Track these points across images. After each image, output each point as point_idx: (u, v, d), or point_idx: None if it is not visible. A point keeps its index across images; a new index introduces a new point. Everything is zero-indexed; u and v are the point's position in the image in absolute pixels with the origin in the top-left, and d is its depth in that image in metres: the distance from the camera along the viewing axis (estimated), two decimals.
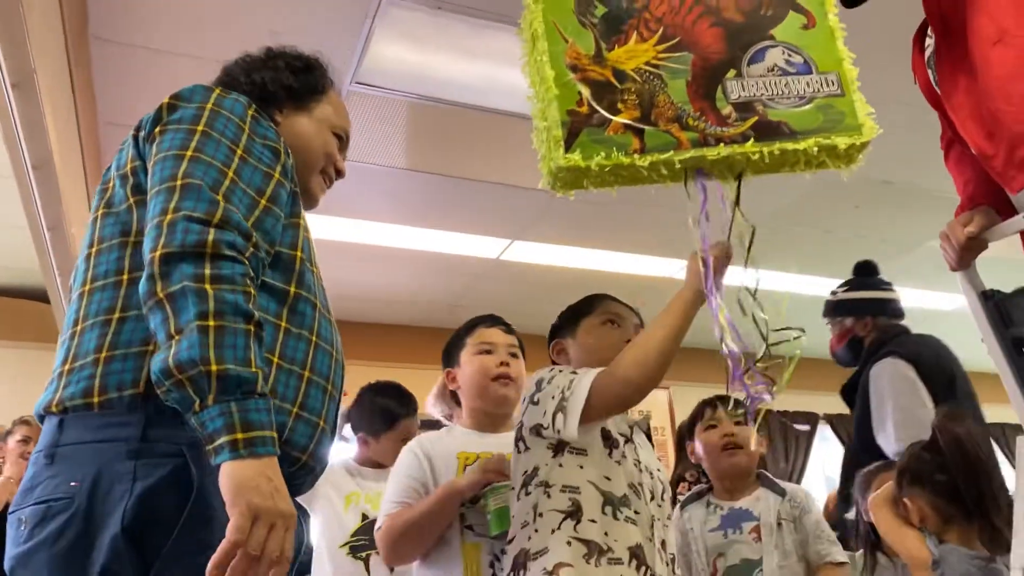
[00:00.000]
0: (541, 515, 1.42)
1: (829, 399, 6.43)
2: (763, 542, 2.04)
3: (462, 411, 1.95)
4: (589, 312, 1.71)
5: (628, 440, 1.57)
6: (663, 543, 1.51)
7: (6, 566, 1.05)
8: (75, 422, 1.07)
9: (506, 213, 4.24)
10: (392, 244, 4.52)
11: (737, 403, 1.44)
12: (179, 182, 1.08)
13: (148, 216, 1.09)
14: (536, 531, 1.41)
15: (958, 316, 6.70)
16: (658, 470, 1.63)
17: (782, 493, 2.14)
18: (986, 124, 1.41)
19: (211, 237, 1.04)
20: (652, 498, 1.53)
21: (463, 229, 4.42)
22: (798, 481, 6.24)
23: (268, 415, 1.02)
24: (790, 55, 1.51)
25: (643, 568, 1.41)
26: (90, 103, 3.07)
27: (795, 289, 5.40)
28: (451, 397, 2.01)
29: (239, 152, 1.16)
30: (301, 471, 1.17)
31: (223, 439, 0.97)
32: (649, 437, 1.73)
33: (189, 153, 1.12)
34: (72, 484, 1.02)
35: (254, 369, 1.01)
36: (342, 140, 1.45)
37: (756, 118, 1.42)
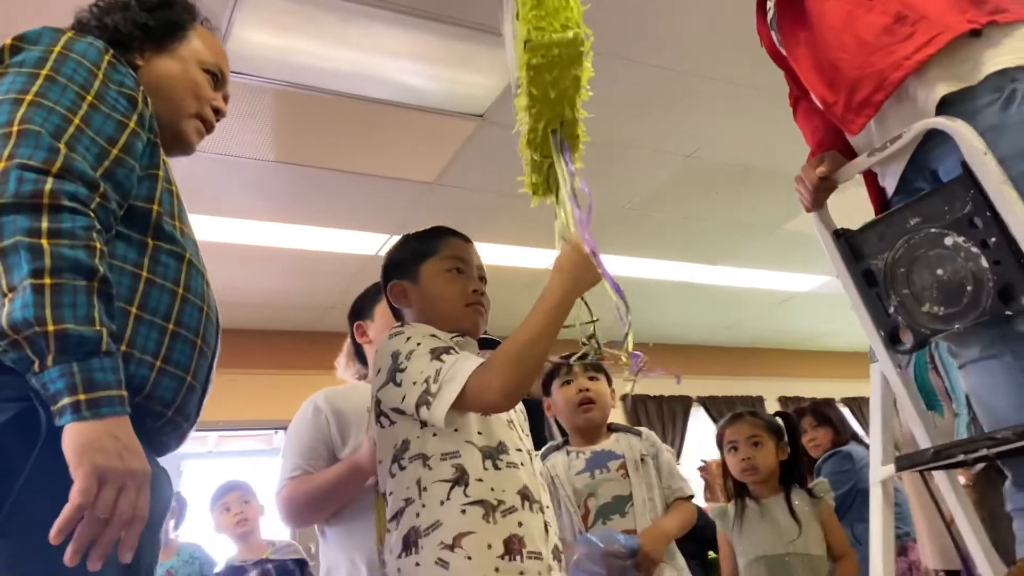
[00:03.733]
0: (426, 489, 1.38)
1: (704, 382, 6.80)
2: (631, 477, 2.12)
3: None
4: (432, 254, 1.65)
5: None
6: (541, 473, 1.53)
7: None
8: None
9: (384, 207, 4.12)
10: (261, 243, 4.34)
11: (584, 357, 1.46)
12: (15, 127, 1.02)
13: None
14: (424, 506, 1.37)
15: (814, 296, 7.14)
16: None
17: (638, 434, 2.27)
18: (826, 73, 1.53)
19: (48, 187, 0.99)
20: (522, 429, 1.54)
21: (338, 224, 4.29)
22: (676, 458, 6.55)
23: (115, 374, 0.98)
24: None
25: (535, 505, 1.42)
26: None
27: (658, 275, 5.57)
28: (356, 355, 1.98)
29: (89, 98, 1.11)
30: (167, 427, 1.14)
31: (65, 400, 0.94)
32: None
33: (29, 97, 1.06)
34: None
35: (97, 327, 0.97)
36: (217, 78, 1.39)
37: None
